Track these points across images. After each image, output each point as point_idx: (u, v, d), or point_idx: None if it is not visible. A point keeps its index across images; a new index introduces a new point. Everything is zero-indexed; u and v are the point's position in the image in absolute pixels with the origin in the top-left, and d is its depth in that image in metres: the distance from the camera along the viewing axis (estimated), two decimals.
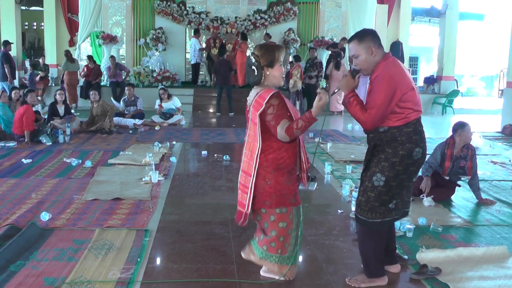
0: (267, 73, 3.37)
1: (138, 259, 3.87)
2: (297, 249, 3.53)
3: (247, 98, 3.48)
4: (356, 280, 3.56)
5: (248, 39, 16.42)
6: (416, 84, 3.47)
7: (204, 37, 16.72)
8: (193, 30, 16.28)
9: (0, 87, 12.59)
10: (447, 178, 5.74)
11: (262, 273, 3.63)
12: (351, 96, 3.37)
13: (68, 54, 15.19)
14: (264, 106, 3.27)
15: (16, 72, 14.74)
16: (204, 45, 16.14)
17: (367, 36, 3.36)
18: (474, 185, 5.68)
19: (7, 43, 14.07)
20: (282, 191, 3.38)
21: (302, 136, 3.47)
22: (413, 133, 3.31)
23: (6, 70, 13.61)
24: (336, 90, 3.56)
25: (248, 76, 3.45)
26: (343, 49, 14.90)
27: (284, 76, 15.04)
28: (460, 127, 5.63)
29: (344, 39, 15.73)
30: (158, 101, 11.98)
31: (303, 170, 3.54)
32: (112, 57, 14.86)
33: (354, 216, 5.01)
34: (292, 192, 3.43)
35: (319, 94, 3.25)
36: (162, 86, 12.35)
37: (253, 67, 3.38)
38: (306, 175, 3.56)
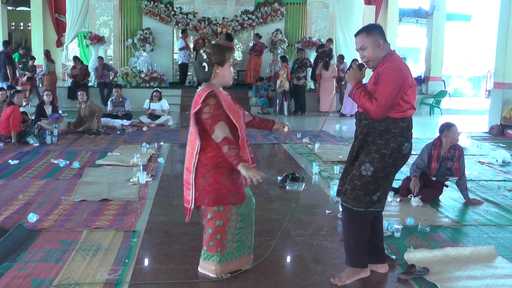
0: (217, 71, 3.43)
1: (126, 260, 3.85)
2: (239, 244, 3.60)
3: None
4: (340, 279, 3.58)
5: (236, 40, 16.44)
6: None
7: (191, 37, 16.71)
8: (180, 31, 16.26)
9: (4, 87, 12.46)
10: (434, 179, 5.77)
11: (199, 269, 3.67)
12: (358, 87, 3.45)
13: (48, 54, 15.08)
14: (200, 105, 3.33)
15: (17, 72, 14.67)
16: (191, 46, 16.14)
17: (374, 29, 3.46)
18: (461, 185, 5.72)
19: (7, 43, 13.97)
20: (221, 189, 3.42)
21: (246, 136, 3.54)
22: (406, 128, 3.41)
23: (8, 71, 13.54)
24: (343, 82, 3.66)
25: (198, 73, 3.50)
26: (330, 50, 14.96)
27: (273, 76, 15.13)
28: (446, 128, 5.66)
29: (330, 40, 15.83)
30: (147, 101, 11.92)
31: None
32: (100, 57, 14.81)
33: (341, 217, 5.05)
34: (231, 191, 3.45)
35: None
36: (157, 89, 12.27)
37: (204, 64, 3.43)
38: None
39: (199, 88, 3.49)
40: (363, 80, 3.53)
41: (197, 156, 3.40)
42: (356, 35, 3.53)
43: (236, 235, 3.57)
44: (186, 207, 3.55)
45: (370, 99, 3.34)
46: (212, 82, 3.46)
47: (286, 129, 3.84)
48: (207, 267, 3.60)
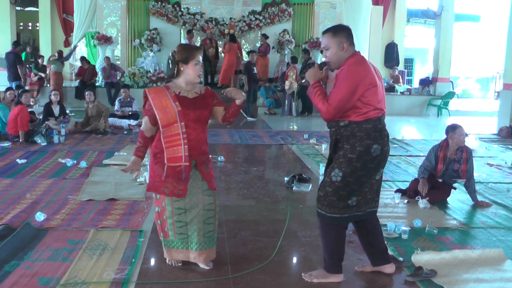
0: (181, 69, 3.57)
1: (133, 260, 3.86)
2: (188, 235, 3.65)
3: None
4: (310, 275, 3.61)
5: (243, 40, 16.44)
6: (383, 83, 3.51)
7: (198, 38, 16.73)
8: (186, 31, 16.29)
9: (13, 86, 12.54)
10: (441, 180, 5.73)
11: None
12: (316, 87, 3.47)
13: (61, 54, 15.19)
14: (144, 99, 3.61)
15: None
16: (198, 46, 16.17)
17: (342, 31, 3.43)
18: (470, 187, 5.67)
19: (17, 44, 14.06)
20: (155, 178, 3.62)
21: (185, 134, 3.54)
22: (372, 130, 3.35)
23: (20, 71, 13.64)
24: (303, 81, 3.65)
25: (167, 70, 3.69)
26: None
27: (280, 77, 15.09)
28: (451, 129, 5.62)
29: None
30: None
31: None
32: (107, 57, 14.84)
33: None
34: (164, 184, 3.56)
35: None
36: None
37: (169, 61, 3.61)
38: (172, 173, 3.56)
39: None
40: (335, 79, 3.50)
41: (151, 144, 3.73)
42: (323, 33, 3.52)
43: (178, 228, 3.63)
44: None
45: (323, 100, 3.37)
46: (178, 79, 3.62)
47: (238, 102, 3.76)
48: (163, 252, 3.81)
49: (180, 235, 3.65)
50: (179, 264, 3.75)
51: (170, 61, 3.60)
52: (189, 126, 3.54)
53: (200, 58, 3.59)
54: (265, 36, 16.07)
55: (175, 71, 3.59)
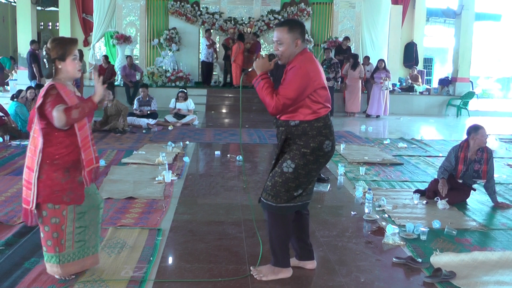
0: (59, 66, 3.34)
1: (151, 258, 3.87)
2: (82, 244, 3.47)
3: None
4: (259, 272, 3.60)
5: (262, 40, 16.45)
6: (327, 83, 3.48)
7: (217, 37, 16.77)
8: (204, 30, 16.32)
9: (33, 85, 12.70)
10: (461, 181, 5.68)
11: (47, 270, 3.53)
12: (263, 78, 3.42)
13: (81, 54, 15.35)
14: (42, 98, 3.27)
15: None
16: (217, 45, 16.23)
17: (298, 28, 3.42)
18: (490, 188, 5.61)
19: (33, 42, 14.22)
20: (54, 187, 3.30)
21: (91, 135, 3.43)
22: (323, 127, 3.39)
23: (34, 69, 13.81)
24: (250, 69, 3.59)
25: (43, 69, 3.44)
26: (348, 49, 14.87)
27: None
28: (474, 130, 5.56)
29: (347, 38, 15.75)
30: (173, 101, 11.99)
31: (84, 169, 3.40)
32: (129, 57, 14.96)
33: (366, 219, 5.02)
34: (65, 190, 3.32)
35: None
36: (183, 89, 12.34)
37: (44, 60, 3.36)
38: (90, 176, 3.43)
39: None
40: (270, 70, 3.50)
41: (40, 154, 3.29)
42: (277, 25, 3.48)
43: (77, 235, 3.43)
44: (26, 209, 3.36)
45: (271, 94, 3.34)
46: (58, 77, 3.37)
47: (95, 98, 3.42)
48: (50, 269, 3.47)
49: (78, 243, 3.45)
50: (72, 277, 3.48)
51: (45, 60, 3.34)
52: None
53: (77, 51, 3.38)
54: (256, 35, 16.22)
55: (53, 70, 3.35)
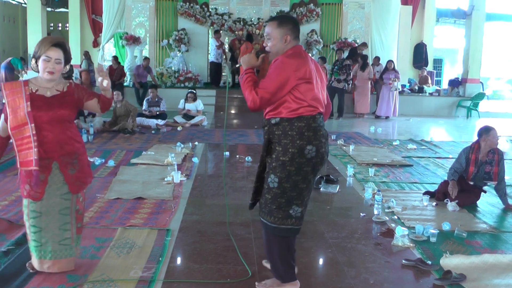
0: (37, 64, 3.39)
1: (160, 258, 3.88)
2: (42, 243, 3.45)
3: None
4: (264, 285, 3.46)
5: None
6: (318, 80, 3.28)
7: (226, 38, 16.78)
8: (213, 31, 16.34)
9: None
10: (472, 183, 5.64)
11: None
12: (248, 73, 3.27)
13: (87, 55, 15.45)
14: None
15: None
16: (226, 46, 16.23)
17: (288, 23, 3.26)
18: (500, 191, 5.57)
19: None
20: (20, 177, 3.42)
21: (35, 136, 3.31)
22: (305, 128, 3.16)
23: None
24: (238, 65, 3.46)
25: (35, 67, 3.47)
26: (363, 55, 14.80)
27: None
28: (485, 131, 5.53)
29: (364, 44, 15.66)
30: (182, 101, 12.01)
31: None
32: (146, 59, 15.04)
33: (376, 220, 5.00)
34: (24, 183, 3.39)
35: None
36: (192, 90, 12.35)
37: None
38: (31, 177, 3.37)
39: None
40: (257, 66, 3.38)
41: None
42: (268, 20, 3.38)
43: (32, 234, 3.44)
44: None
45: (251, 88, 3.19)
46: (39, 75, 3.41)
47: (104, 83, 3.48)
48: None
49: (34, 242, 3.44)
50: (32, 271, 3.53)
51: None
52: (44, 128, 3.33)
53: (53, 53, 3.34)
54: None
55: (37, 67, 3.40)
